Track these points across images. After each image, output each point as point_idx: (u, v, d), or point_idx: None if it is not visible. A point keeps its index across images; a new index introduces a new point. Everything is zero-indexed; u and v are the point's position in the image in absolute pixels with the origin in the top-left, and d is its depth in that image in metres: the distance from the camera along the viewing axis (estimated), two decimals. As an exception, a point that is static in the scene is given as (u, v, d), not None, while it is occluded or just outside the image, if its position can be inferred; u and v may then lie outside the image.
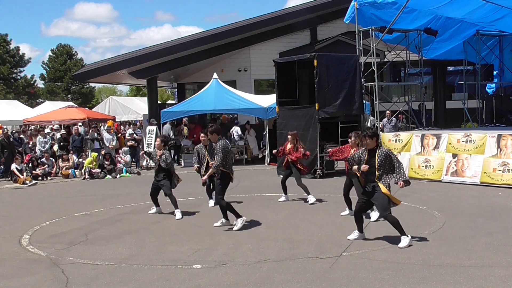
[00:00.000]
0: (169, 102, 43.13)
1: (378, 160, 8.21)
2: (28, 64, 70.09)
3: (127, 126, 28.24)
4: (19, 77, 59.60)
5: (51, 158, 20.86)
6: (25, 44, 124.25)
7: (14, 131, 23.77)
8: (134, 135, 22.55)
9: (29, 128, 25.76)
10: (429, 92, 26.80)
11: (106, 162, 19.73)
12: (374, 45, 18.55)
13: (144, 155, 13.31)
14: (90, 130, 22.67)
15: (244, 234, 9.50)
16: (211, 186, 12.11)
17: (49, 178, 19.56)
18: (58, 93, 61.01)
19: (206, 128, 10.72)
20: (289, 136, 12.65)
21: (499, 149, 14.10)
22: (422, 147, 15.94)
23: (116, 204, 13.29)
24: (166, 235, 9.66)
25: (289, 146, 12.54)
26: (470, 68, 22.90)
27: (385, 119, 20.61)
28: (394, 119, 20.61)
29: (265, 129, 21.38)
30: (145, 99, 32.70)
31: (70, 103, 41.31)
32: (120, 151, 21.66)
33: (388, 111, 20.38)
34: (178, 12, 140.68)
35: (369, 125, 19.71)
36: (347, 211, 10.84)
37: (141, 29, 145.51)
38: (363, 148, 8.50)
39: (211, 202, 12.17)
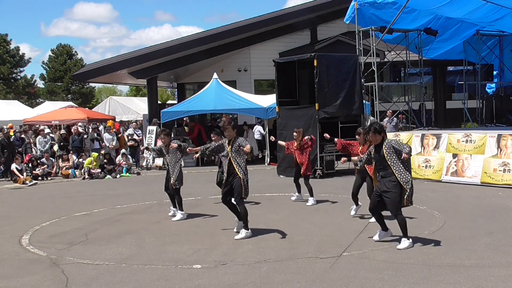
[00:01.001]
0: (169, 102, 43.14)
1: (386, 153, 7.99)
2: (28, 64, 70.19)
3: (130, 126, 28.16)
4: (19, 77, 59.63)
5: (51, 158, 20.86)
6: (25, 44, 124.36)
7: (15, 131, 23.77)
8: (134, 135, 22.55)
9: (26, 129, 25.74)
10: (429, 92, 26.79)
11: (105, 161, 19.72)
12: (374, 45, 18.56)
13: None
14: (91, 130, 22.68)
15: (244, 234, 9.49)
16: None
17: (49, 178, 19.56)
18: (58, 93, 61.02)
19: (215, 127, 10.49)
20: (295, 134, 12.53)
21: (499, 149, 14.10)
22: (422, 147, 15.94)
23: (116, 204, 13.29)
24: (166, 235, 9.66)
25: (295, 144, 12.45)
26: (470, 68, 22.90)
27: (386, 119, 20.61)
28: (395, 119, 20.61)
29: (265, 129, 21.37)
30: (145, 99, 32.72)
31: (70, 103, 41.32)
32: (120, 151, 21.64)
33: (389, 111, 20.38)
34: (178, 12, 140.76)
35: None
36: (355, 207, 10.70)
37: (141, 29, 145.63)
38: (372, 145, 8.39)
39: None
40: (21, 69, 60.37)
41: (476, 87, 21.77)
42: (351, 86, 17.53)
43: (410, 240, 8.19)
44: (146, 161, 22.17)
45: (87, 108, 40.11)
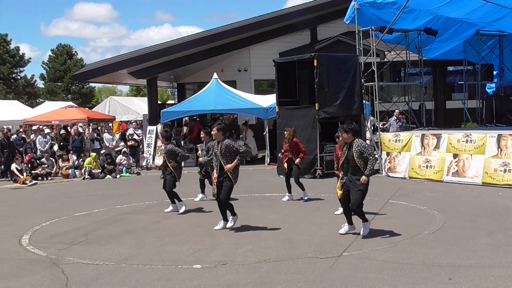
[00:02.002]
0: (169, 102, 43.13)
1: (356, 155, 8.60)
2: (28, 64, 70.16)
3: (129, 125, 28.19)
4: (19, 77, 59.60)
5: (51, 158, 20.86)
6: (25, 44, 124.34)
7: (17, 130, 23.82)
8: (134, 135, 22.55)
9: (26, 129, 25.74)
10: (429, 92, 26.78)
11: (108, 160, 19.71)
12: (374, 45, 18.54)
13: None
14: (90, 130, 22.68)
15: (244, 234, 9.50)
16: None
17: (49, 178, 19.56)
18: (58, 93, 61.01)
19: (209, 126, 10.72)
20: (285, 133, 12.79)
21: (499, 149, 14.09)
22: (423, 147, 15.93)
23: (116, 204, 13.29)
24: (166, 235, 9.66)
25: (286, 144, 12.66)
26: (470, 68, 22.88)
27: (393, 118, 20.57)
28: (403, 119, 20.58)
29: (265, 129, 21.36)
30: (145, 99, 32.69)
31: (70, 103, 41.29)
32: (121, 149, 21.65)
33: (396, 111, 20.36)
34: (178, 12, 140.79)
35: (369, 125, 19.71)
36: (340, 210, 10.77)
37: (141, 29, 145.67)
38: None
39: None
40: (21, 69, 60.39)
41: (476, 87, 21.75)
42: (351, 86, 17.53)
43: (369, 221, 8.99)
44: (146, 161, 22.17)
45: (87, 108, 40.10)
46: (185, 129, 23.89)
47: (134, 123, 25.50)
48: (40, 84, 64.51)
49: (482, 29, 20.59)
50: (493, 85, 23.75)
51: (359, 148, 8.60)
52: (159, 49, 24.82)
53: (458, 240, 8.62)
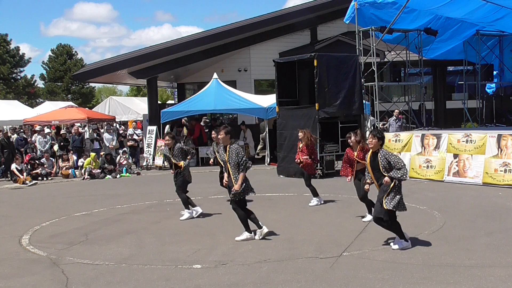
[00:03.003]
0: (169, 102, 43.13)
1: (381, 163, 7.90)
2: (28, 64, 70.10)
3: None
4: (19, 77, 59.61)
5: (51, 158, 20.86)
6: (25, 44, 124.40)
7: (19, 130, 23.81)
8: (134, 135, 22.55)
9: (26, 129, 25.77)
10: (429, 92, 26.78)
11: (108, 161, 19.72)
12: (374, 45, 18.55)
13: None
14: (90, 130, 22.68)
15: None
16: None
17: (49, 178, 19.56)
18: (58, 93, 61.02)
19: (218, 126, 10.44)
20: (300, 134, 12.29)
21: (499, 149, 14.09)
22: (423, 147, 15.93)
23: (116, 204, 13.29)
24: (166, 235, 9.66)
25: (301, 145, 12.27)
26: (470, 68, 22.88)
27: (392, 118, 20.57)
28: (403, 119, 20.57)
29: (265, 129, 21.37)
30: (145, 99, 32.69)
31: (70, 103, 41.34)
32: (120, 151, 21.65)
33: (396, 111, 20.36)
34: (178, 12, 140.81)
35: (369, 125, 19.71)
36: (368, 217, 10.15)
37: (141, 29, 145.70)
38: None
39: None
40: (21, 69, 60.40)
41: (476, 87, 21.75)
42: (351, 86, 17.53)
43: (409, 241, 8.18)
44: (146, 161, 22.17)
45: (87, 108, 40.11)
46: (184, 129, 23.88)
47: (133, 123, 25.50)
48: (40, 84, 64.63)
49: (482, 29, 20.59)
50: (493, 85, 23.75)
51: (384, 156, 7.90)
52: (159, 49, 24.80)
53: (458, 240, 8.62)
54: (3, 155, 20.13)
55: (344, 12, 19.59)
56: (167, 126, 22.44)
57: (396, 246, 8.06)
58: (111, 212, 12.31)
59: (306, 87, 18.12)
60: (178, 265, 7.65)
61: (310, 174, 12.27)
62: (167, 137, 11.45)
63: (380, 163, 7.88)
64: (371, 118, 20.34)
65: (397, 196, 7.89)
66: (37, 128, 23.66)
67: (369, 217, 9.90)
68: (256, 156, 23.08)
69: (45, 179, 19.30)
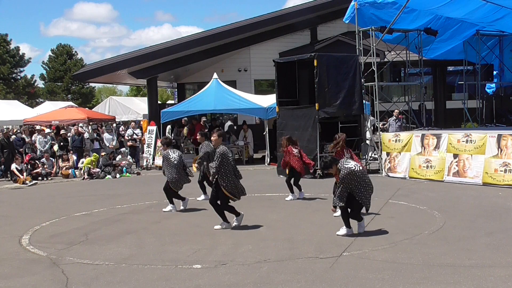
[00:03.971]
0: (169, 102, 43.14)
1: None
2: (28, 64, 70.15)
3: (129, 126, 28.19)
4: (19, 77, 59.63)
5: (51, 158, 20.86)
6: (25, 44, 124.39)
7: (17, 131, 23.82)
8: (134, 135, 22.55)
9: (25, 129, 25.75)
10: (429, 92, 26.78)
11: (111, 160, 19.74)
12: (374, 45, 18.53)
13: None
14: (90, 130, 22.67)
15: (244, 234, 9.50)
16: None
17: (49, 178, 19.56)
18: (58, 93, 61.02)
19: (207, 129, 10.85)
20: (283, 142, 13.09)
21: (499, 149, 14.08)
22: (423, 147, 15.93)
23: (116, 204, 13.29)
24: (166, 235, 9.66)
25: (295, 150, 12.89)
26: (470, 68, 22.86)
27: (392, 118, 20.56)
28: (403, 119, 20.56)
29: (265, 129, 21.36)
30: (145, 99, 32.71)
31: (70, 103, 41.33)
32: (120, 150, 21.65)
33: (396, 111, 20.36)
34: (178, 12, 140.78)
35: (369, 125, 19.71)
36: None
37: (141, 29, 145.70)
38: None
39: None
40: (21, 69, 60.44)
41: (476, 87, 21.73)
42: (351, 86, 17.53)
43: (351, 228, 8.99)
44: (146, 161, 22.17)
45: (87, 108, 40.11)
46: (185, 130, 23.88)
47: (133, 123, 25.51)
48: (40, 84, 64.64)
49: (482, 29, 20.58)
50: (493, 85, 23.73)
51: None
52: (159, 49, 24.82)
53: (458, 240, 8.62)
54: (3, 155, 20.13)
55: (344, 12, 19.57)
56: (168, 126, 22.46)
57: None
58: (111, 212, 12.31)
59: (306, 87, 18.11)
60: (178, 265, 7.65)
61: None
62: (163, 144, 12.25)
63: None
64: (371, 118, 20.33)
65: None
66: (37, 127, 23.66)
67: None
68: (254, 156, 23.08)
69: (45, 179, 19.30)
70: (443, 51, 21.67)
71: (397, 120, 20.48)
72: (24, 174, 18.75)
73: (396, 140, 16.79)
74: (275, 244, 8.65)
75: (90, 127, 24.86)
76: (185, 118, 23.70)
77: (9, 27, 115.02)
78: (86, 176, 19.31)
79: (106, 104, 38.08)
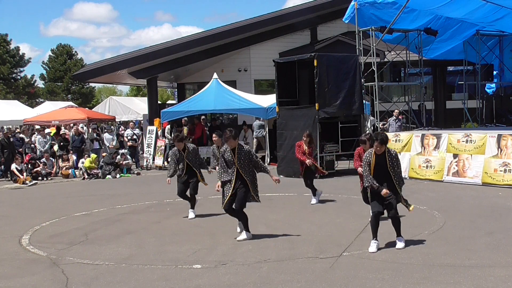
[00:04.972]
0: (169, 102, 43.15)
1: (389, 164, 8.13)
2: (28, 64, 70.04)
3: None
4: (19, 77, 59.61)
5: (51, 158, 20.86)
6: (25, 44, 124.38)
7: (16, 131, 23.83)
8: (133, 135, 22.54)
9: (25, 129, 25.77)
10: (429, 92, 26.78)
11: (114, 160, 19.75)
12: (374, 45, 18.54)
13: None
14: (90, 130, 22.66)
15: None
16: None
17: (49, 178, 19.56)
18: (58, 93, 61.02)
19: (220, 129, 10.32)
20: (304, 138, 12.43)
21: (499, 149, 14.08)
22: (422, 147, 15.92)
23: (116, 204, 13.29)
24: (166, 235, 9.66)
25: (305, 147, 12.37)
26: (470, 68, 22.87)
27: (392, 118, 20.56)
28: (403, 119, 20.55)
29: (265, 129, 21.36)
30: (145, 99, 32.72)
31: (70, 103, 41.37)
32: (120, 151, 21.64)
33: (396, 111, 20.36)
34: (178, 12, 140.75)
35: (369, 125, 19.70)
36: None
37: (141, 29, 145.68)
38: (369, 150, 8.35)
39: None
40: (21, 69, 60.42)
41: (476, 87, 21.74)
42: (351, 86, 17.52)
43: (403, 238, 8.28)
44: (146, 161, 22.16)
45: (87, 108, 40.12)
46: (185, 129, 23.87)
47: (132, 123, 25.50)
48: (40, 84, 64.64)
49: (482, 29, 20.58)
50: (493, 85, 23.74)
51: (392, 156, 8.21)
52: (159, 49, 24.83)
53: (458, 240, 8.62)
54: (3, 155, 20.13)
55: (344, 12, 19.58)
56: (168, 126, 22.45)
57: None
58: (111, 212, 12.31)
59: (306, 87, 18.11)
60: (178, 265, 7.65)
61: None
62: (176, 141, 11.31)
63: (389, 161, 8.13)
64: (371, 118, 20.33)
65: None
66: (37, 127, 23.68)
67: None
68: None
69: (45, 179, 19.30)
70: (443, 51, 21.67)
71: (397, 120, 20.48)
72: (24, 174, 18.75)
73: (396, 140, 16.79)
74: (275, 244, 8.65)
75: (90, 128, 24.87)
76: (185, 118, 23.70)
77: (9, 27, 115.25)
78: (86, 176, 19.31)
79: (106, 104, 38.09)
